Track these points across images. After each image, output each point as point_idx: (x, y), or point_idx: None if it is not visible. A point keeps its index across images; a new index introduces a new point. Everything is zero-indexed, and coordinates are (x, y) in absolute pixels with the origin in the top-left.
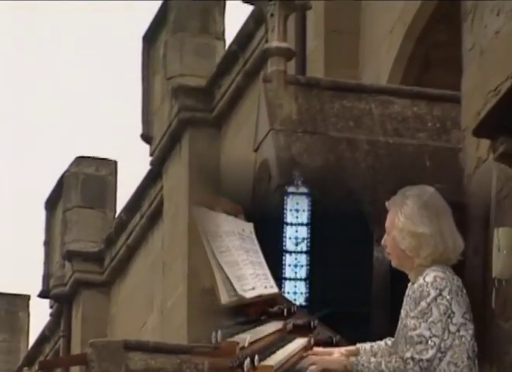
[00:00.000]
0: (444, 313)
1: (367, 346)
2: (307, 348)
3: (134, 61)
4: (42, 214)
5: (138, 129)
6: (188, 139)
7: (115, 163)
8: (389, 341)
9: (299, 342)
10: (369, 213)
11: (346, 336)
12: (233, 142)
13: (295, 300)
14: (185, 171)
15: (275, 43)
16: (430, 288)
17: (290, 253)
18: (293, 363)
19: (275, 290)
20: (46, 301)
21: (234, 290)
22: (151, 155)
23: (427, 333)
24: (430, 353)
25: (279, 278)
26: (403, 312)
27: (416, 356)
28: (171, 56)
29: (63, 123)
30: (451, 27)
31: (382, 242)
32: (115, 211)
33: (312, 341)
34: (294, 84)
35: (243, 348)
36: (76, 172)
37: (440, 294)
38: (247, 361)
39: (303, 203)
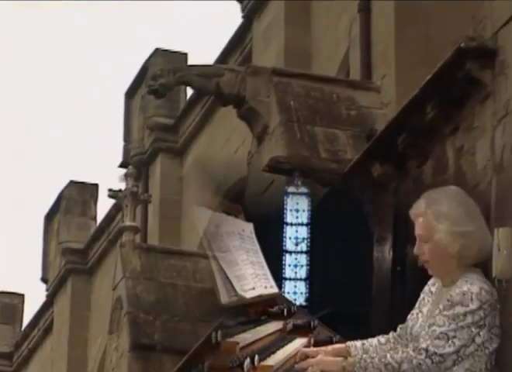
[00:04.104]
0: (477, 323)
1: (358, 343)
2: (307, 348)
3: (38, 232)
4: None
5: (39, 273)
6: (71, 282)
7: (23, 296)
8: (382, 338)
9: (299, 342)
10: (369, 213)
11: (346, 336)
12: (100, 284)
13: (295, 300)
14: (68, 302)
15: (128, 223)
16: (474, 299)
17: (290, 253)
18: (293, 363)
19: (275, 290)
20: None
21: (234, 290)
22: (47, 290)
23: (451, 333)
24: (447, 349)
25: (279, 278)
26: (424, 309)
27: (431, 349)
28: (62, 229)
29: None
30: None
31: (415, 250)
32: (21, 326)
33: (312, 341)
34: (139, 248)
35: (243, 348)
36: None
37: (480, 307)
38: (247, 361)
39: (303, 203)
